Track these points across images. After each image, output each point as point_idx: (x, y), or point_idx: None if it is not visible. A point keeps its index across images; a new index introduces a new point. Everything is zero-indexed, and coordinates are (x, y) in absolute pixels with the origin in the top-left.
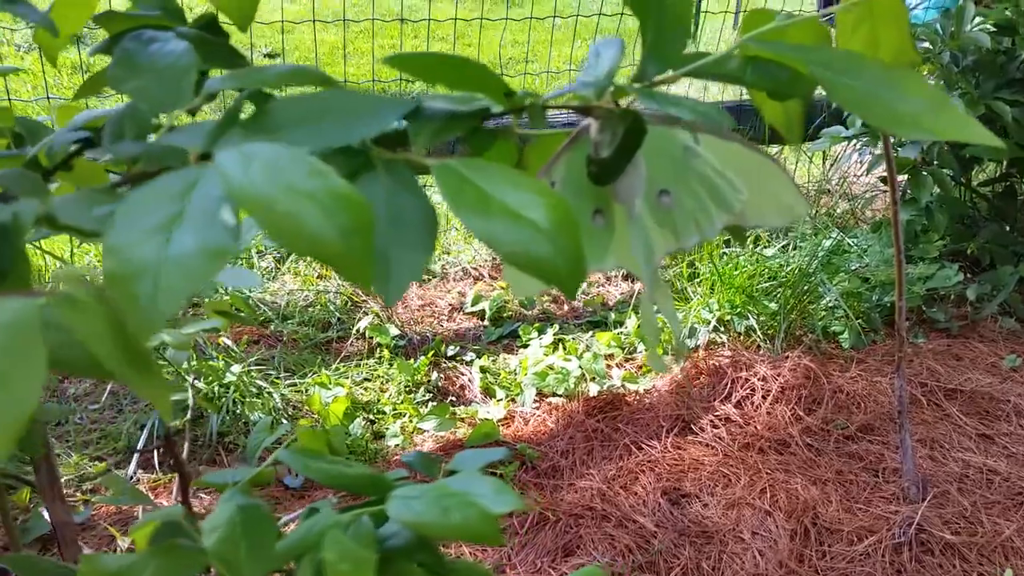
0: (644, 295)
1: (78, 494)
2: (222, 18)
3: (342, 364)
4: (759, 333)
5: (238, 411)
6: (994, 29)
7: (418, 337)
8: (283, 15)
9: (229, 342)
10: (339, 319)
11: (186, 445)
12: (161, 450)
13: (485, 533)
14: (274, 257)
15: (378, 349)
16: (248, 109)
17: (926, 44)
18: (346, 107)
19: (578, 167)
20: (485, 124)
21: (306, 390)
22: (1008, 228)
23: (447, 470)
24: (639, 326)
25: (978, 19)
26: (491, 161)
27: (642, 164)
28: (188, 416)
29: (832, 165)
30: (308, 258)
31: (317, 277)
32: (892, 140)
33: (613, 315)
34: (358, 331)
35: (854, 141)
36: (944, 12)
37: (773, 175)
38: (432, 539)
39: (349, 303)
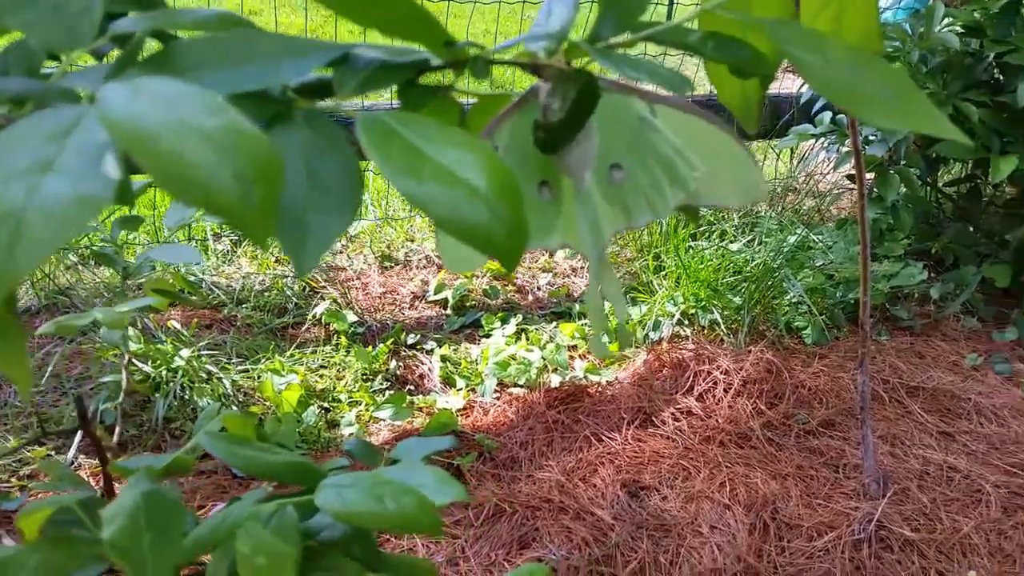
0: (590, 275)
1: (14, 479)
2: None
3: (297, 351)
4: (723, 327)
5: (186, 396)
6: (962, 31)
7: (378, 325)
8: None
9: (178, 325)
10: (296, 304)
11: (117, 429)
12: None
13: (423, 523)
14: (231, 240)
15: (335, 336)
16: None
17: (896, 43)
18: (265, 49)
19: (524, 133)
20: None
21: (258, 377)
22: (972, 228)
23: (389, 459)
24: (590, 312)
25: (947, 20)
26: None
27: (594, 133)
28: (120, 400)
29: (799, 162)
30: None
31: (275, 261)
32: (862, 134)
33: (578, 306)
34: (314, 317)
35: (822, 139)
36: (914, 13)
37: (733, 153)
38: (369, 530)
39: (307, 288)
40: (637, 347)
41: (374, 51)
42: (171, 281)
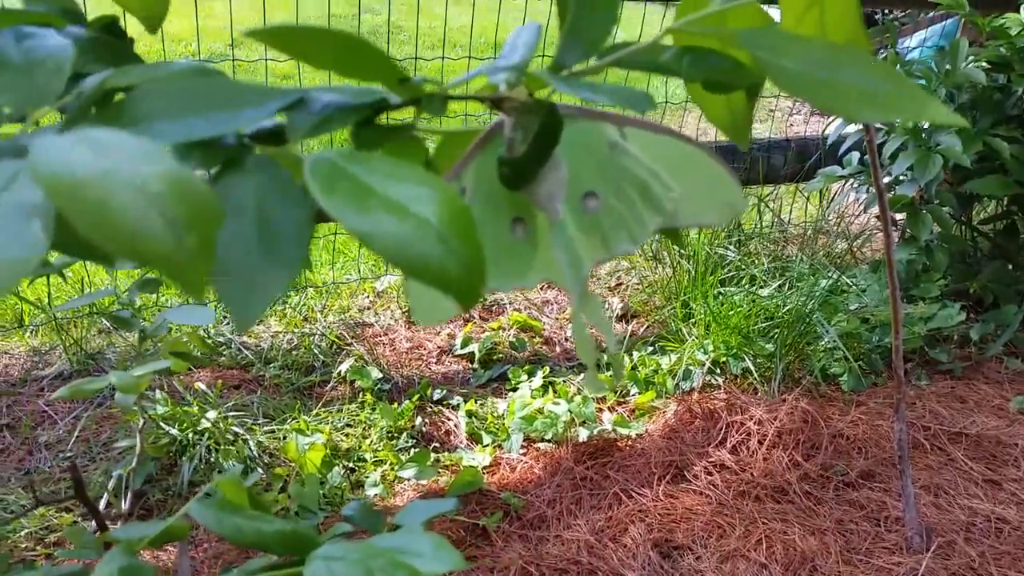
0: (573, 309)
1: (39, 547)
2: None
3: (323, 409)
4: (755, 375)
5: (212, 459)
6: (989, 66)
7: (404, 380)
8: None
9: (204, 387)
10: (323, 362)
11: (128, 495)
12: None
13: None
14: None
15: (361, 393)
16: None
17: (922, 81)
18: (219, 97)
19: (491, 170)
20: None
21: (284, 437)
22: (1011, 266)
23: (392, 524)
24: (579, 348)
25: (972, 56)
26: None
27: (562, 164)
28: (133, 464)
29: (829, 205)
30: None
31: (303, 319)
32: (887, 179)
33: (605, 357)
34: (340, 375)
35: (851, 180)
36: (939, 50)
37: (710, 170)
38: None
39: (334, 346)
40: (667, 397)
41: (331, 93)
42: (189, 343)
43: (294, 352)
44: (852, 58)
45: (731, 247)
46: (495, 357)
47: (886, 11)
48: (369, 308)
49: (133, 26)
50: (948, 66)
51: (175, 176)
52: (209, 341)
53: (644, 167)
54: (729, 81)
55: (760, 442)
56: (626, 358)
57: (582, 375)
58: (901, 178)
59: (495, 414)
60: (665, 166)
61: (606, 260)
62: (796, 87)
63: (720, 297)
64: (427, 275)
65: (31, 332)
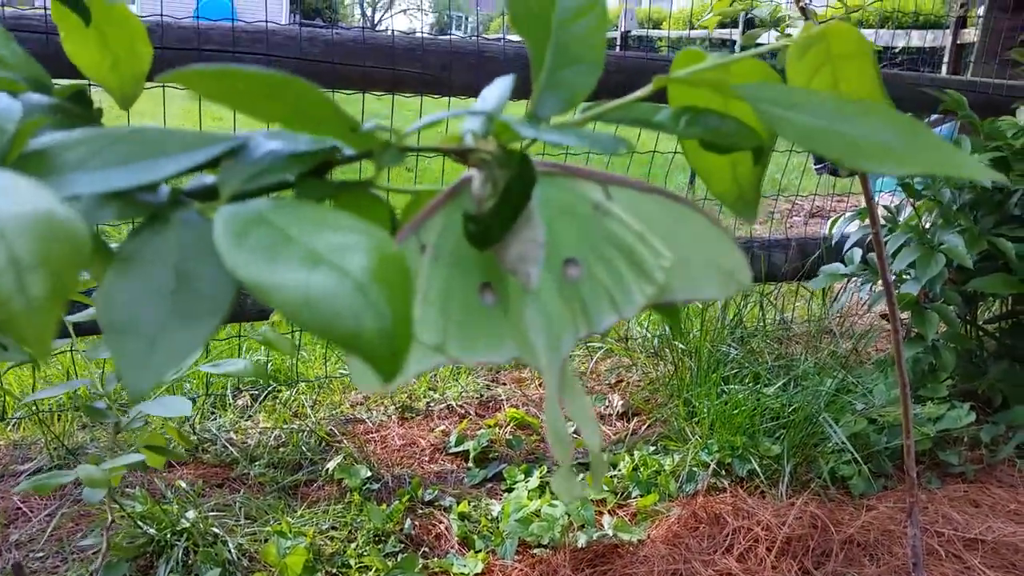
0: (548, 394)
1: None
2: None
3: (308, 510)
4: (762, 477)
5: (190, 561)
6: (989, 164)
7: (394, 480)
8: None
9: (186, 485)
10: (311, 460)
11: None
12: None
13: None
14: (250, 395)
15: (348, 493)
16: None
17: (926, 180)
18: (145, 148)
19: (458, 227)
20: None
21: (265, 539)
22: (1019, 366)
23: None
24: (552, 441)
25: (975, 156)
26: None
27: (538, 224)
28: (97, 565)
29: (832, 303)
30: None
31: (293, 415)
32: (892, 278)
33: (606, 456)
34: (327, 473)
35: (854, 278)
36: None
37: (708, 235)
38: None
39: (323, 443)
40: (671, 500)
41: (276, 141)
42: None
43: (281, 449)
44: (868, 110)
45: (734, 344)
46: (491, 455)
47: None
48: (361, 404)
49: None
50: None
51: (41, 212)
52: (194, 437)
53: (631, 231)
54: (731, 143)
55: (768, 549)
56: (627, 458)
57: (553, 477)
58: (904, 276)
59: (489, 516)
60: (656, 230)
61: (588, 336)
62: (806, 140)
63: (724, 395)
64: (337, 335)
65: (12, 425)
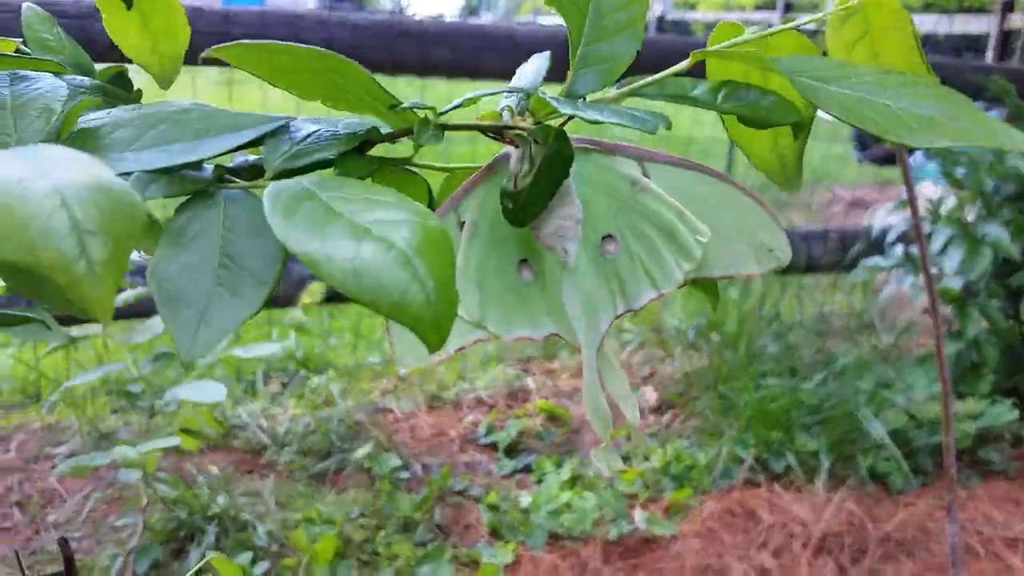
0: (585, 369)
1: None
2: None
3: (337, 497)
4: (799, 472)
5: (221, 546)
6: None
7: (423, 469)
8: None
9: (217, 470)
10: (340, 448)
11: None
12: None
13: None
14: (280, 382)
15: (377, 481)
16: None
17: (965, 170)
18: (186, 128)
19: (496, 204)
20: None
21: (296, 525)
22: None
23: None
24: (591, 415)
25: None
26: None
27: (575, 201)
28: (133, 545)
29: (873, 296)
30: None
31: (323, 402)
32: (936, 271)
33: (640, 449)
34: (356, 461)
35: (896, 270)
36: None
37: (746, 210)
38: None
39: (352, 431)
40: (705, 495)
41: (318, 124)
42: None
43: (310, 436)
44: (908, 82)
45: (771, 337)
46: (520, 447)
47: None
48: (391, 392)
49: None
50: (993, 156)
51: (97, 182)
52: (225, 423)
53: (670, 207)
54: (771, 117)
55: (804, 545)
56: (659, 451)
57: (592, 451)
58: (947, 270)
59: (519, 507)
60: (693, 206)
61: (627, 312)
62: (846, 112)
63: (761, 389)
64: (385, 304)
65: (47, 408)
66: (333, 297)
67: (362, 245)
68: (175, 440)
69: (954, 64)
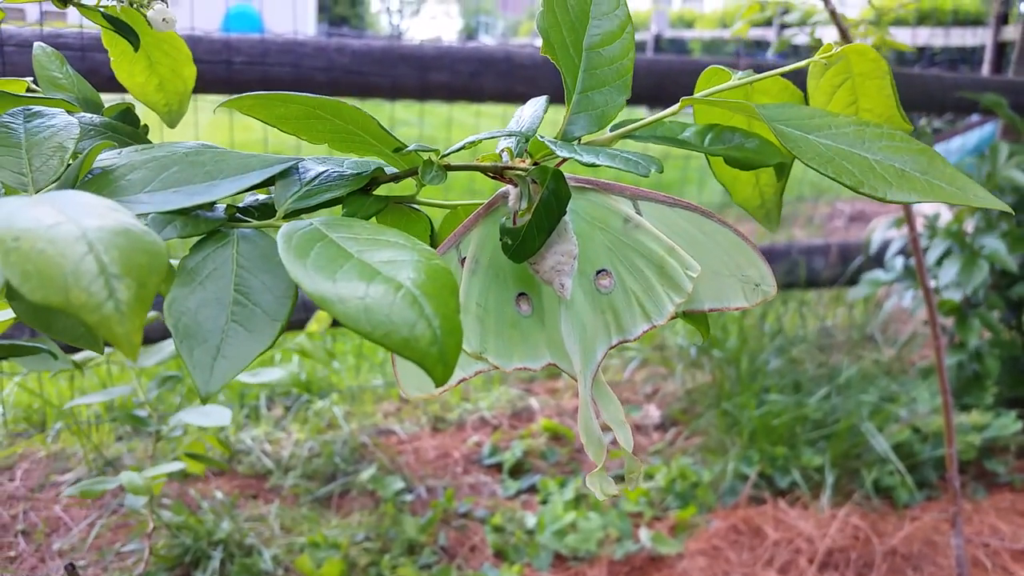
0: (581, 398)
1: None
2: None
3: (342, 521)
4: (803, 488)
5: (227, 572)
6: None
7: (427, 491)
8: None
9: (222, 496)
10: (344, 471)
11: None
12: None
13: None
14: (284, 406)
15: (382, 504)
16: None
17: None
18: (202, 169)
19: (494, 241)
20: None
21: (301, 549)
22: None
23: None
24: (586, 442)
25: (1015, 159)
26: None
27: (572, 237)
28: (140, 570)
29: (874, 310)
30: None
31: (326, 426)
32: (934, 284)
33: (644, 468)
34: (361, 484)
35: (897, 284)
36: (979, 155)
37: (734, 246)
38: None
39: (356, 454)
40: (710, 512)
41: (325, 164)
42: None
43: (315, 460)
44: (885, 136)
45: (773, 353)
46: (525, 467)
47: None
48: (394, 414)
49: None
50: (988, 169)
51: (120, 227)
52: (229, 448)
53: (661, 243)
54: (754, 159)
55: (810, 561)
56: (664, 469)
57: (586, 477)
58: (944, 281)
59: (524, 528)
60: (684, 242)
61: (621, 343)
62: (824, 164)
63: (764, 405)
64: (394, 342)
65: (51, 437)
66: (337, 322)
67: (371, 286)
68: (181, 465)
69: (950, 76)
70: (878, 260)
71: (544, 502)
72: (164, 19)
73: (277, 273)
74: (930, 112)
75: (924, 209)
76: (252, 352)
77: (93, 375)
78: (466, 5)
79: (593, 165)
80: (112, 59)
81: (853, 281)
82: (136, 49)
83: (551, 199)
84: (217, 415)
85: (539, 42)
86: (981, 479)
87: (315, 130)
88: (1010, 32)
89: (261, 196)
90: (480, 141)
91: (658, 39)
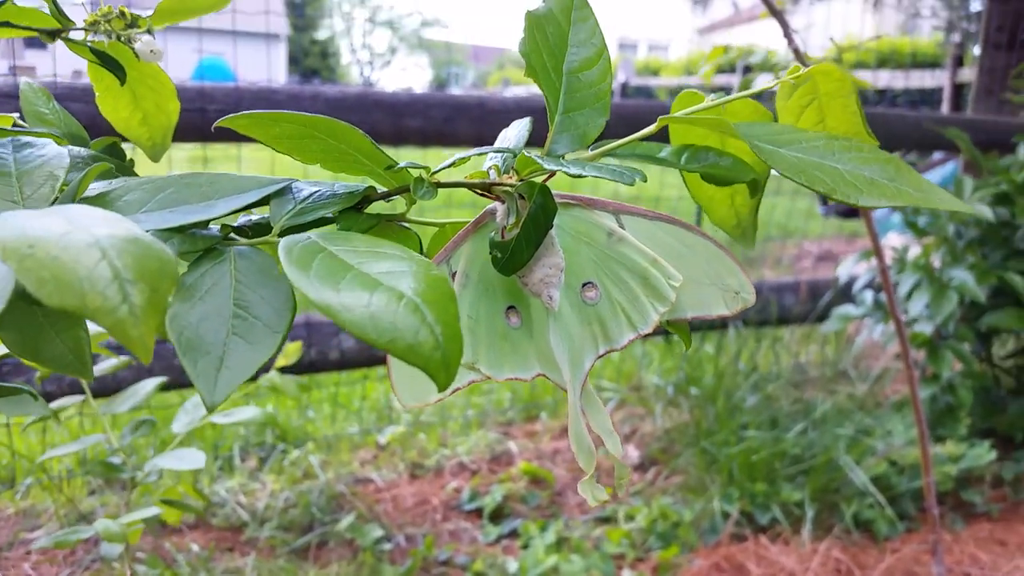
0: (571, 406)
1: None
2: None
3: (320, 572)
4: (784, 524)
5: None
6: (991, 200)
7: (406, 539)
8: None
9: (197, 548)
10: (321, 521)
11: None
12: None
13: None
14: (258, 457)
15: (360, 553)
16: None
17: (928, 218)
18: (200, 189)
19: (483, 255)
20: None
21: None
22: None
23: None
24: (577, 450)
25: (978, 193)
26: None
27: (558, 250)
28: None
29: (846, 345)
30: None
31: (302, 475)
32: (905, 317)
33: (624, 509)
34: (339, 534)
35: (867, 319)
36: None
37: (713, 257)
38: None
39: (333, 503)
40: (692, 552)
41: (317, 186)
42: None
43: (291, 510)
44: (853, 148)
45: (749, 390)
46: (505, 511)
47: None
48: (371, 462)
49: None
50: None
51: (132, 235)
52: (204, 500)
53: (643, 255)
54: (728, 176)
55: None
56: (645, 510)
57: (579, 484)
58: (917, 316)
59: (506, 574)
60: (665, 253)
61: (609, 352)
62: (796, 173)
63: (742, 442)
64: (400, 347)
65: (21, 494)
66: (311, 366)
67: (375, 295)
68: (156, 510)
69: (912, 115)
70: (847, 295)
71: (525, 546)
72: (152, 51)
73: (275, 287)
74: (894, 150)
75: (893, 242)
76: (254, 362)
77: (65, 430)
78: (437, 56)
79: (579, 176)
80: (97, 94)
81: (824, 317)
82: (123, 83)
83: (539, 213)
84: (192, 458)
85: (510, 91)
86: (959, 510)
87: (309, 150)
88: (966, 74)
89: (255, 217)
90: (469, 158)
91: (625, 86)
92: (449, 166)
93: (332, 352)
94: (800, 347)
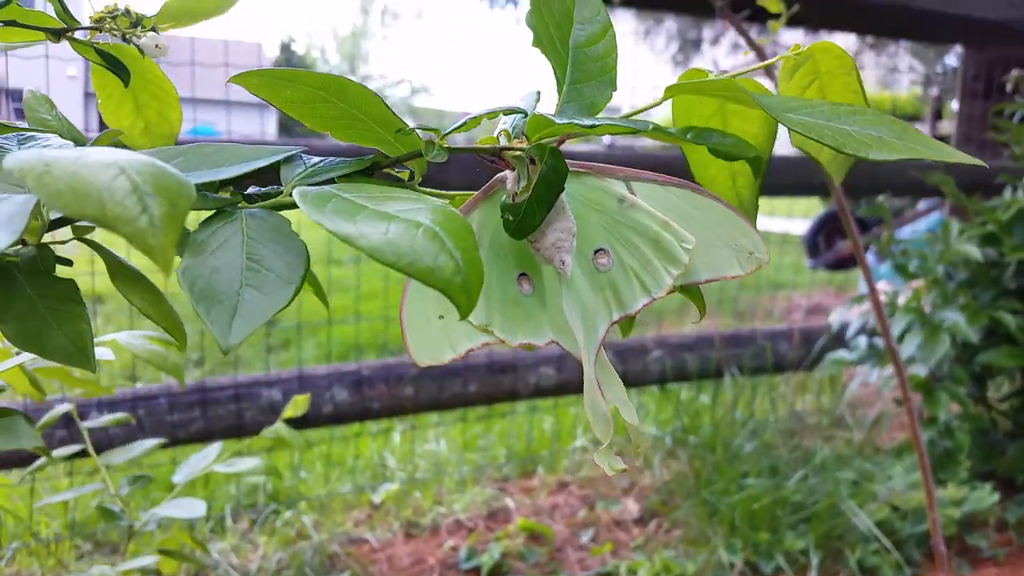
0: (586, 375)
1: None
2: None
3: None
4: (788, 572)
5: None
6: (979, 241)
7: None
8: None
9: None
10: None
11: None
12: None
13: None
14: (250, 518)
15: None
16: None
17: (917, 261)
18: (211, 158)
19: (495, 221)
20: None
21: None
22: None
23: None
24: (593, 419)
25: (966, 235)
26: None
27: (569, 215)
28: None
29: (842, 391)
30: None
31: (295, 536)
32: (903, 357)
33: (625, 564)
34: None
35: (860, 364)
36: (931, 234)
37: (724, 218)
38: None
39: (327, 564)
40: None
41: (325, 155)
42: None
43: (284, 572)
44: (858, 112)
45: (747, 438)
46: (503, 570)
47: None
48: (365, 522)
49: None
50: (942, 246)
51: (149, 160)
52: (196, 562)
53: (655, 219)
54: (733, 151)
55: None
56: (647, 564)
57: (595, 454)
58: (912, 358)
59: None
60: (677, 217)
61: (622, 319)
62: (807, 130)
63: (743, 491)
64: (419, 269)
65: (7, 560)
66: (303, 421)
67: (392, 225)
68: (153, 558)
69: (895, 163)
70: (840, 341)
71: None
72: (156, 45)
73: (287, 243)
74: (879, 195)
75: (883, 288)
76: (268, 311)
77: (54, 491)
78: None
79: (593, 127)
80: (99, 101)
81: (818, 362)
82: (126, 85)
83: (550, 174)
84: (192, 507)
85: (504, 139)
86: (964, 555)
87: (320, 114)
88: (945, 126)
89: (261, 189)
90: (480, 118)
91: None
92: (460, 127)
93: (325, 405)
94: (796, 395)
